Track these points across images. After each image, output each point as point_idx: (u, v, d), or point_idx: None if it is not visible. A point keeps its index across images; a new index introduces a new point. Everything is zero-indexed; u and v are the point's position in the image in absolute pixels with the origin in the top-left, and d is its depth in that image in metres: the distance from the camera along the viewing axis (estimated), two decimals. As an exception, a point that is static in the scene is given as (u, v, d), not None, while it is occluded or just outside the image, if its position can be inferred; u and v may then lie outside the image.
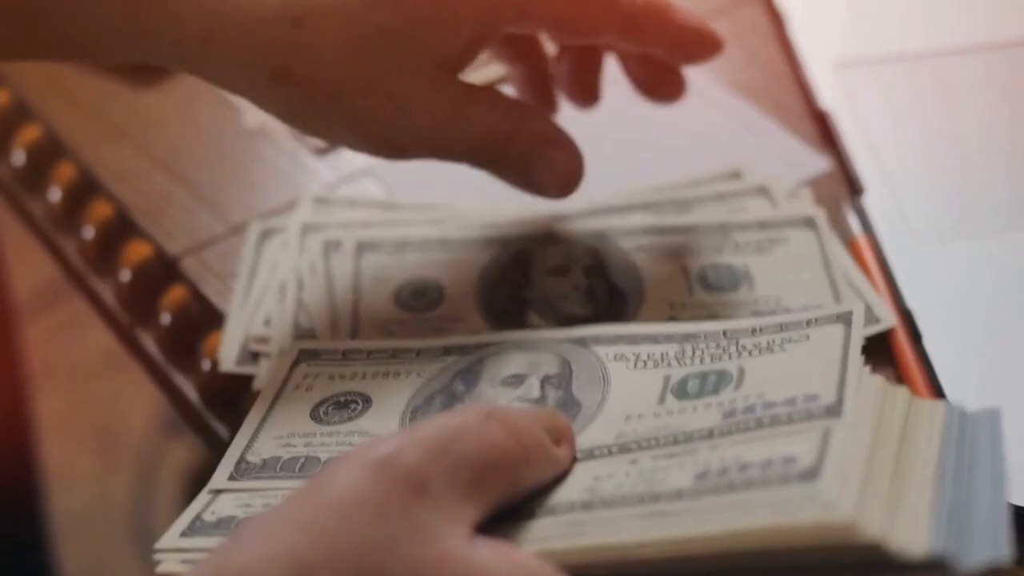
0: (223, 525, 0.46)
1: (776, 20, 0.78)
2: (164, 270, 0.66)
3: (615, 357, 0.48)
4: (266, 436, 0.49)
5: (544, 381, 0.49)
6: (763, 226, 0.59)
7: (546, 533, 0.40)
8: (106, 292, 0.68)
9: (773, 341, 0.46)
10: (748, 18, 0.79)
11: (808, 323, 0.46)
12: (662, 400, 0.45)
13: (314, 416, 0.50)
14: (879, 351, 0.58)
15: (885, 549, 0.36)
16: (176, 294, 0.64)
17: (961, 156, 0.68)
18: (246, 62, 0.50)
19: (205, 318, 0.63)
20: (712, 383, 0.45)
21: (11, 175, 0.75)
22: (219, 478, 0.48)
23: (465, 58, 0.53)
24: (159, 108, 0.75)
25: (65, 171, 0.72)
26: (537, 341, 0.51)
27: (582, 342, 0.50)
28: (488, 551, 0.38)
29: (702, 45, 0.57)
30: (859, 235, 0.62)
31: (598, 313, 0.56)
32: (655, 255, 0.57)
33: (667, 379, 0.46)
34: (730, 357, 0.46)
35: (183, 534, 0.46)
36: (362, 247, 0.60)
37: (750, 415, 0.42)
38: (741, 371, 0.45)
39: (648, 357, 0.47)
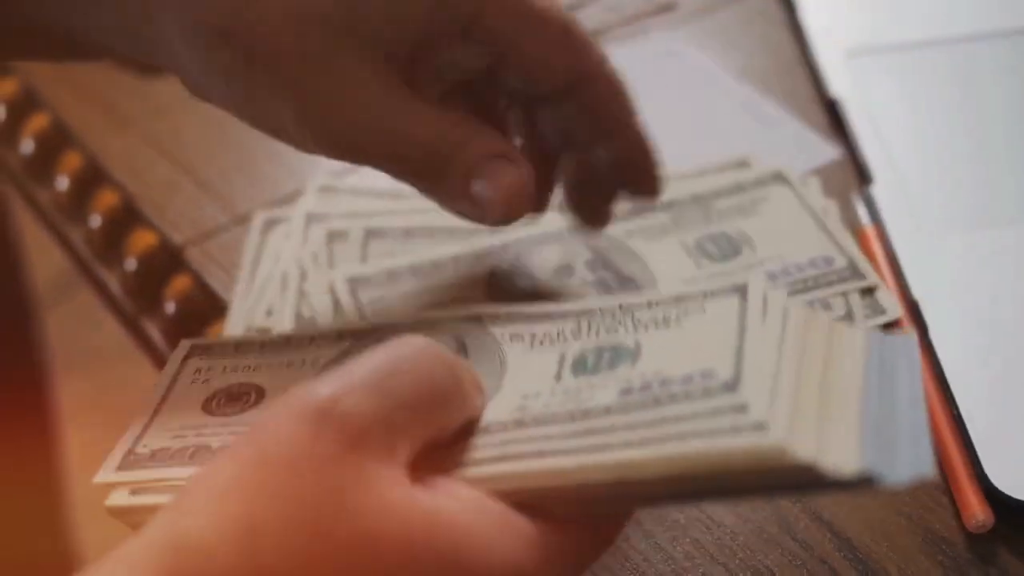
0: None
1: (787, 6, 0.77)
2: (169, 260, 0.66)
3: (511, 337, 0.47)
4: (157, 430, 0.48)
5: None
6: (739, 189, 0.62)
7: (479, 455, 0.41)
8: (112, 281, 0.68)
9: (669, 315, 0.45)
10: (759, 4, 0.78)
11: (705, 295, 0.45)
12: (558, 377, 0.44)
13: (206, 408, 0.49)
14: (885, 342, 0.57)
15: (817, 469, 0.37)
16: (180, 284, 0.64)
17: (971, 145, 0.67)
18: (187, 25, 0.48)
19: (209, 308, 0.63)
20: (608, 358, 0.44)
21: (20, 165, 0.75)
22: (107, 470, 0.47)
23: (415, 61, 0.50)
24: (166, 97, 0.75)
25: (72, 160, 0.72)
26: (434, 320, 0.50)
27: (478, 320, 0.49)
28: (429, 491, 0.38)
29: (644, 171, 0.54)
30: (867, 225, 0.62)
31: None
32: (648, 238, 0.59)
33: (563, 356, 0.45)
34: (626, 331, 0.45)
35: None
36: (370, 234, 0.60)
37: (647, 393, 0.41)
38: (638, 345, 0.44)
39: (544, 335, 0.47)
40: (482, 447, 0.41)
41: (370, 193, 0.65)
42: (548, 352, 0.46)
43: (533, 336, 0.47)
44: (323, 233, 0.61)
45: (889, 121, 0.68)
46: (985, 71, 0.72)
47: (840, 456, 0.37)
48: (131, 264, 0.66)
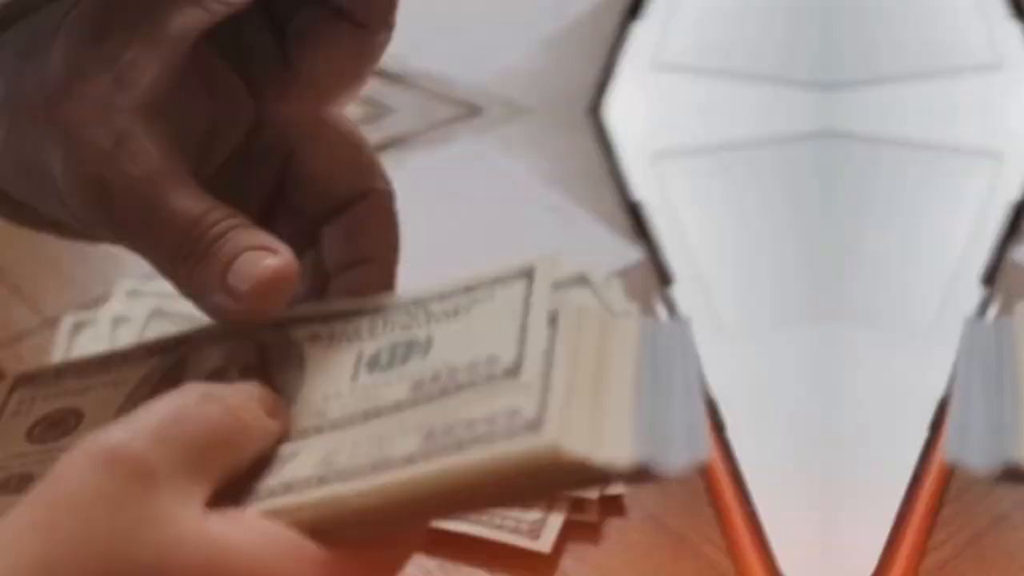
0: None
1: (593, 112, 0.79)
2: (-22, 364, 0.65)
3: (311, 337, 0.48)
4: None
5: (243, 372, 0.48)
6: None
7: (273, 481, 0.42)
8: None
9: (460, 304, 0.46)
10: (565, 110, 0.79)
11: (494, 281, 0.46)
12: (355, 376, 0.45)
13: (29, 437, 0.49)
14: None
15: (591, 465, 0.38)
16: (-10, 388, 0.63)
17: (766, 246, 0.70)
18: None
19: (15, 413, 0.62)
20: (401, 354, 0.45)
21: None
22: None
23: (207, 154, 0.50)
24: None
25: None
26: (235, 330, 0.49)
27: (280, 325, 0.48)
28: (221, 520, 0.39)
29: None
30: (667, 325, 0.64)
31: None
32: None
33: (360, 354, 0.46)
34: (419, 325, 0.46)
35: None
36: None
37: (435, 384, 0.42)
38: (429, 339, 0.45)
39: (341, 334, 0.47)
40: (279, 466, 0.42)
41: (175, 295, 0.65)
42: (345, 351, 0.47)
43: (331, 335, 0.48)
44: (133, 335, 0.61)
45: (691, 222, 0.70)
46: (779, 174, 0.74)
47: (614, 450, 0.38)
48: (-59, 371, 0.65)
